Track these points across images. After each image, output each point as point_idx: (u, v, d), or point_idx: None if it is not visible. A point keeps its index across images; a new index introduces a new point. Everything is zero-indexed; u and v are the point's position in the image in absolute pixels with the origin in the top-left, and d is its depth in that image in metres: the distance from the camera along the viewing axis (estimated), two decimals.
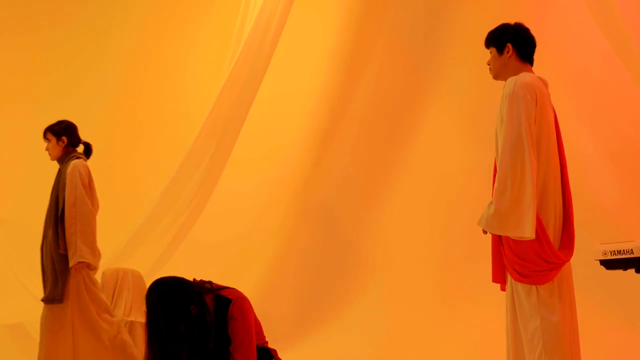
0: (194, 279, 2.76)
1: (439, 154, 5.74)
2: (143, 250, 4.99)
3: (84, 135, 6.39)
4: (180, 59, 6.53)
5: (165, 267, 5.07)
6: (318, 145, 6.05)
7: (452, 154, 5.70)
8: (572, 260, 4.65)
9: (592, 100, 5.37)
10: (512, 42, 3.22)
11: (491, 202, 2.94)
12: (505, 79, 3.17)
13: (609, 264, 3.67)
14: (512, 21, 5.72)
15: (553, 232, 3.01)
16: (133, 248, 4.96)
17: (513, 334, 3.00)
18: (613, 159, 5.21)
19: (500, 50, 3.22)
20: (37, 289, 5.79)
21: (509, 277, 3.03)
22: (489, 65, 3.29)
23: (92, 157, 6.41)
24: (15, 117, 6.55)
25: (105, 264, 4.74)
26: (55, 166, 6.37)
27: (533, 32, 5.57)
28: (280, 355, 5.53)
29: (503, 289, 3.12)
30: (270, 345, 5.98)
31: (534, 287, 2.92)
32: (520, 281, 2.94)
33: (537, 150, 2.98)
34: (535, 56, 5.54)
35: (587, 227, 5.15)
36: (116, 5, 6.79)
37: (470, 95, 5.68)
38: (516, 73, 3.14)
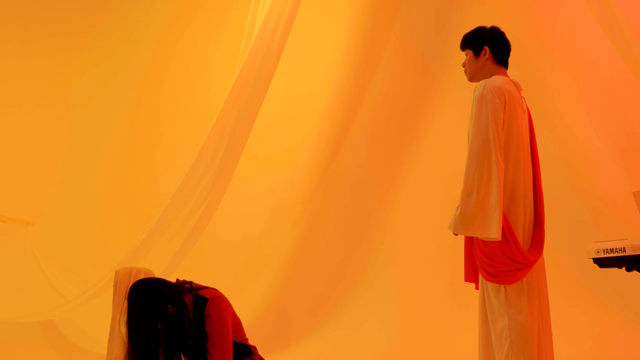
0: (177, 280, 2.93)
1: (449, 151, 5.77)
2: (157, 250, 5.14)
3: (109, 132, 6.69)
4: (199, 62, 6.69)
5: (181, 267, 5.26)
6: (331, 145, 6.14)
7: (462, 152, 5.72)
8: (581, 257, 4.70)
9: (601, 97, 5.33)
10: (489, 45, 3.26)
11: (458, 206, 3.00)
12: (478, 82, 3.21)
13: (602, 262, 3.70)
14: (521, 19, 5.78)
15: (522, 233, 3.04)
16: (147, 248, 5.11)
17: (484, 332, 3.07)
18: (622, 155, 5.18)
19: (477, 53, 3.27)
20: (65, 289, 6.08)
21: (480, 277, 3.09)
22: (464, 67, 3.33)
23: (116, 157, 6.69)
24: (46, 117, 6.81)
25: (120, 264, 4.94)
26: (84, 168, 6.66)
27: (542, 29, 5.67)
28: (295, 347, 5.72)
29: (477, 287, 3.19)
30: (288, 337, 6.15)
31: (502, 286, 2.97)
32: (490, 280, 3.00)
33: (505, 153, 3.02)
34: (545, 52, 5.61)
35: (596, 223, 5.18)
36: (140, 13, 7.02)
37: None
38: (491, 76, 3.19)
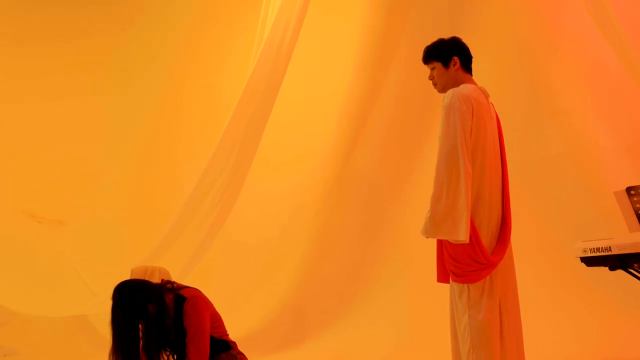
0: (162, 280, 3.16)
1: None
2: (175, 251, 5.37)
3: (135, 125, 6.97)
4: (219, 64, 6.91)
5: (202, 270, 5.50)
6: (346, 147, 6.27)
7: None
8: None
9: (608, 95, 5.34)
10: (458, 55, 3.31)
11: (429, 209, 3.08)
12: None
13: (589, 261, 3.76)
14: (531, 18, 5.79)
15: (488, 235, 3.13)
16: (164, 249, 5.35)
17: (453, 331, 3.17)
18: (629, 152, 5.18)
19: (447, 64, 3.29)
20: (96, 285, 6.41)
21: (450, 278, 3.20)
22: (431, 79, 3.37)
23: (139, 157, 6.96)
24: (82, 110, 7.13)
25: (139, 264, 5.19)
26: (110, 168, 6.97)
27: (550, 27, 5.68)
28: (312, 343, 5.88)
29: None
30: (304, 335, 6.31)
31: (465, 286, 3.08)
32: (456, 281, 3.11)
33: (472, 158, 3.09)
34: (553, 51, 5.63)
35: (605, 221, 5.18)
36: (164, 19, 7.30)
37: (491, 92, 5.76)
38: (462, 83, 3.26)
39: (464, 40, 5.96)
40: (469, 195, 3.02)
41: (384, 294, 5.81)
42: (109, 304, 5.87)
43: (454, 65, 3.29)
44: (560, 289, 5.21)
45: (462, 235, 3.01)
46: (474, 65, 5.84)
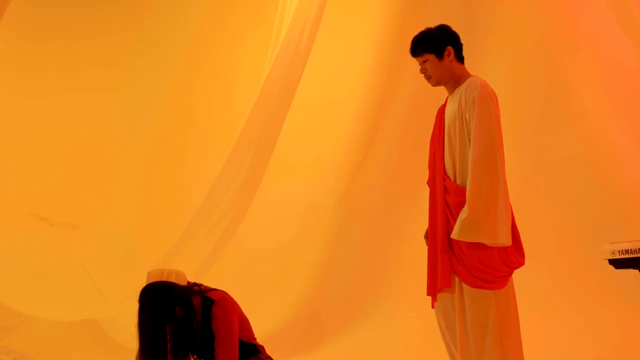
0: (188, 282, 3.11)
1: None
2: (186, 256, 5.30)
3: (146, 126, 6.90)
4: (231, 66, 6.86)
5: (217, 274, 5.42)
6: (361, 150, 6.21)
7: None
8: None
9: (627, 95, 5.28)
10: (452, 44, 3.08)
11: (464, 210, 2.87)
12: (446, 84, 3.11)
13: (618, 264, 3.69)
14: (548, 17, 5.74)
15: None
16: (176, 254, 5.29)
17: (464, 340, 2.96)
18: None
19: (441, 55, 3.05)
20: (108, 289, 6.36)
21: (463, 286, 2.96)
22: (424, 73, 3.13)
23: (151, 159, 6.90)
24: (92, 108, 7.04)
25: (153, 266, 5.14)
26: (130, 170, 6.90)
27: (567, 25, 5.64)
28: (327, 347, 5.82)
29: (433, 306, 3.11)
30: (319, 338, 6.26)
31: (492, 293, 2.89)
32: (481, 287, 2.89)
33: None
34: (570, 50, 5.58)
35: (624, 222, 5.13)
36: (179, 15, 7.24)
37: (506, 94, 5.66)
38: (460, 74, 3.07)
39: (481, 42, 5.98)
40: (507, 193, 2.86)
41: (399, 298, 5.75)
42: (120, 308, 5.86)
43: (448, 55, 3.06)
44: (578, 291, 5.14)
45: (503, 238, 2.82)
46: (489, 65, 5.89)
